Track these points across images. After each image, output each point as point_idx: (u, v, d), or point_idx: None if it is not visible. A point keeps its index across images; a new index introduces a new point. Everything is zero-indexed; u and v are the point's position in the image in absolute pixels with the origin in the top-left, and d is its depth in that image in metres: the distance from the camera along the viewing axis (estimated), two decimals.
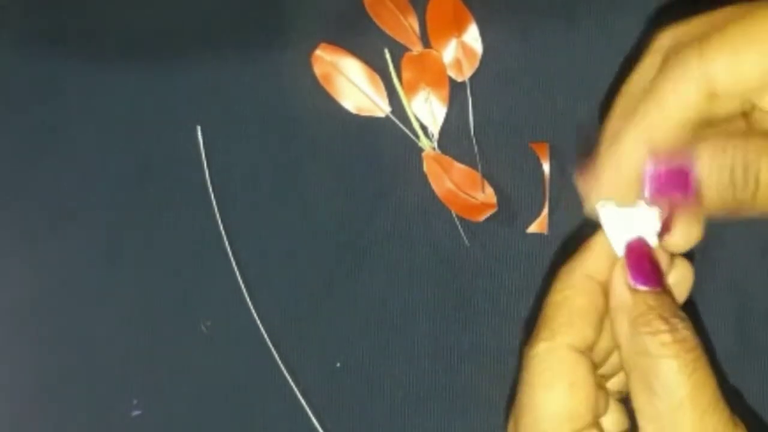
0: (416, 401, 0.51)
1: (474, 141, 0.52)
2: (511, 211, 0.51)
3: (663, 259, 0.38)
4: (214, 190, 0.52)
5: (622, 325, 0.36)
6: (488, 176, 0.51)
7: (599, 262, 0.38)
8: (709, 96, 0.35)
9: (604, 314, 0.38)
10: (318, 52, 0.52)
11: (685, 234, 0.38)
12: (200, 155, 0.53)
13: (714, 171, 0.34)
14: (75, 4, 0.54)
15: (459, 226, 0.51)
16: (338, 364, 0.51)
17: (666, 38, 0.37)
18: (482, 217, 0.51)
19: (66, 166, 0.53)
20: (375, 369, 0.51)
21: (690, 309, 0.44)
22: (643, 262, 0.37)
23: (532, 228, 0.51)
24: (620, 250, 0.38)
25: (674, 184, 0.35)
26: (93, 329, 0.52)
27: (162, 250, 0.53)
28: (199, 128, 0.53)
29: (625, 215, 0.37)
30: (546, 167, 0.51)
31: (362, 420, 0.51)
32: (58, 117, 0.54)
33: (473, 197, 0.51)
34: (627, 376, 0.36)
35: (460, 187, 0.51)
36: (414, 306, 0.51)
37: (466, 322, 0.51)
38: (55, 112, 0.54)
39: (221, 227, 0.52)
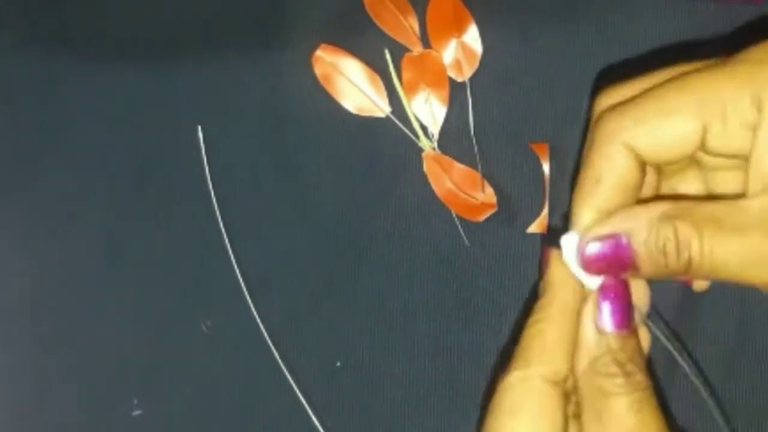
0: (416, 400, 0.51)
1: (474, 141, 0.52)
2: (511, 211, 0.51)
3: (641, 292, 0.39)
4: (214, 189, 0.52)
5: (583, 360, 0.38)
6: (488, 176, 0.51)
7: (575, 294, 0.39)
8: (636, 158, 0.37)
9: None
10: (318, 52, 0.52)
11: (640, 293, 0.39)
12: (201, 155, 0.53)
13: (648, 248, 0.36)
14: (75, 4, 0.54)
15: (459, 226, 0.51)
16: (338, 364, 0.51)
17: (602, 100, 0.39)
18: (482, 217, 0.51)
19: (66, 166, 0.53)
20: (375, 369, 0.51)
21: (691, 311, 0.44)
22: (614, 305, 0.38)
23: (532, 228, 0.51)
24: (588, 282, 0.39)
25: (612, 264, 0.37)
26: (93, 329, 0.53)
27: (162, 250, 0.53)
28: (199, 128, 0.53)
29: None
30: (546, 167, 0.51)
31: (362, 419, 0.51)
32: (58, 117, 0.54)
33: (473, 197, 0.51)
34: (580, 403, 0.37)
35: (460, 187, 0.51)
36: (414, 306, 0.51)
37: (466, 322, 0.51)
38: (55, 112, 0.54)
39: (222, 227, 0.52)
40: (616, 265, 0.37)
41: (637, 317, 0.38)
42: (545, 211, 0.51)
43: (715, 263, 0.35)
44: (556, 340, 0.38)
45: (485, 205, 0.51)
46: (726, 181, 0.40)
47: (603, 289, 0.38)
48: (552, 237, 0.38)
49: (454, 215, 0.51)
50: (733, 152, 0.36)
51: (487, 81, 0.52)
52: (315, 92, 0.52)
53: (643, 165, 0.38)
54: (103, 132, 0.54)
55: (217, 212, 0.52)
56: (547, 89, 0.51)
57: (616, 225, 0.37)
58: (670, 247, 0.35)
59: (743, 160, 0.36)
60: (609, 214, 0.37)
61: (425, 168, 0.52)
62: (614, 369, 0.36)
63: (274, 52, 0.53)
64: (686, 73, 0.37)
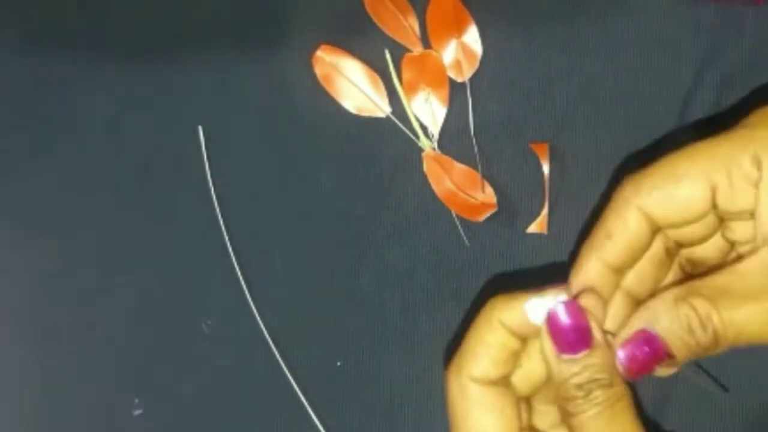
0: (416, 400, 0.51)
1: (474, 141, 0.52)
2: (511, 211, 0.51)
3: (596, 309, 0.40)
4: (215, 189, 0.52)
5: (553, 387, 0.40)
6: (488, 176, 0.51)
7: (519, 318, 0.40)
8: (651, 224, 0.40)
9: (516, 352, 0.41)
10: (318, 53, 0.53)
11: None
12: (201, 155, 0.53)
13: (675, 332, 0.38)
14: (76, 4, 0.54)
15: (459, 226, 0.51)
16: (338, 364, 0.51)
17: (628, 185, 0.41)
18: (482, 217, 0.51)
19: (66, 166, 0.53)
20: (375, 369, 0.51)
21: None
22: (564, 335, 0.39)
23: (532, 228, 0.51)
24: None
25: (649, 358, 0.39)
26: (93, 329, 0.52)
27: (163, 250, 0.53)
28: (200, 128, 0.53)
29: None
30: (546, 167, 0.51)
31: (362, 419, 0.51)
32: (58, 117, 0.54)
33: (473, 197, 0.51)
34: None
35: (460, 187, 0.51)
36: (414, 306, 0.51)
37: (466, 322, 0.51)
38: (56, 112, 0.54)
39: (222, 227, 0.52)
40: (653, 358, 0.39)
41: (597, 335, 0.39)
42: (545, 211, 0.51)
43: (738, 330, 0.37)
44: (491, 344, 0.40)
45: (485, 205, 0.51)
46: (744, 230, 0.41)
47: (550, 319, 0.39)
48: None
49: (454, 215, 0.51)
50: (742, 209, 0.39)
51: (487, 81, 0.52)
52: (315, 92, 0.52)
53: (653, 228, 0.40)
54: (103, 132, 0.54)
55: (218, 212, 0.52)
56: (547, 89, 0.52)
57: (637, 323, 0.39)
58: (695, 324, 0.38)
59: (748, 216, 0.39)
60: (613, 268, 0.40)
61: (425, 168, 0.52)
62: (576, 392, 0.38)
63: (275, 53, 0.53)
64: (694, 144, 0.39)
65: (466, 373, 0.41)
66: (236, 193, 0.52)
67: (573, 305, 0.39)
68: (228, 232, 0.52)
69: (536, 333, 0.40)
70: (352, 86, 0.52)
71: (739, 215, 0.40)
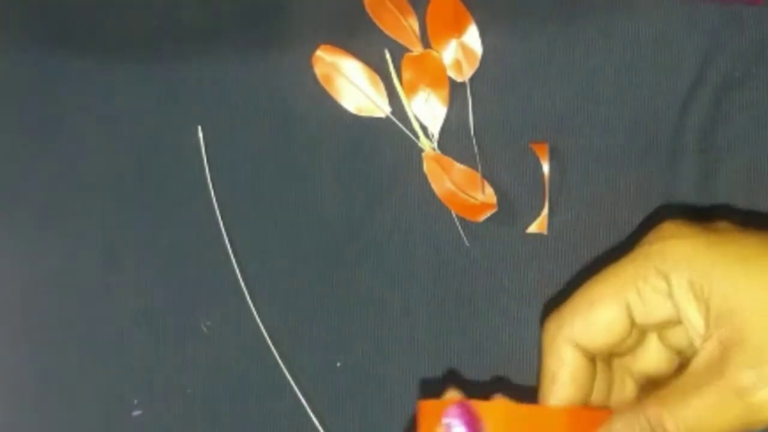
0: (416, 400, 0.51)
1: (474, 141, 0.52)
2: (511, 211, 0.51)
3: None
4: (214, 189, 0.52)
5: None
6: (488, 176, 0.51)
7: None
8: (581, 350, 0.42)
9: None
10: (318, 52, 0.53)
11: None
12: (201, 155, 0.53)
13: None
14: (75, 3, 0.54)
15: (459, 226, 0.51)
16: (338, 364, 0.51)
17: (551, 321, 0.43)
18: (482, 217, 0.51)
19: (66, 166, 0.53)
20: (375, 369, 0.51)
21: None
22: None
23: (532, 228, 0.51)
24: None
25: None
26: (93, 329, 0.52)
27: (162, 250, 0.53)
28: (199, 128, 0.53)
29: None
30: (546, 167, 0.51)
31: (362, 419, 0.51)
32: (58, 116, 0.54)
33: (473, 197, 0.51)
34: None
35: (460, 187, 0.51)
36: (414, 306, 0.51)
37: (466, 322, 0.51)
38: (56, 112, 0.54)
39: (222, 227, 0.52)
40: None
41: None
42: (545, 211, 0.51)
43: (692, 427, 0.39)
44: None
45: (485, 205, 0.51)
46: (678, 336, 0.43)
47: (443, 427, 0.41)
48: None
49: (454, 215, 0.51)
50: (661, 320, 0.41)
51: (487, 81, 0.52)
52: (315, 92, 0.52)
53: (591, 356, 0.42)
54: (103, 132, 0.54)
55: (217, 212, 0.52)
56: (547, 89, 0.52)
57: None
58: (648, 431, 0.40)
59: (676, 323, 0.41)
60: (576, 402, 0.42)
61: (425, 168, 0.52)
62: None
63: (275, 53, 0.53)
64: (603, 270, 0.42)
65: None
66: (236, 193, 0.52)
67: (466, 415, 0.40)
68: (228, 233, 0.52)
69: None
70: (352, 86, 0.52)
71: (661, 326, 0.42)
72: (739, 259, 0.40)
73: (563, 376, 0.42)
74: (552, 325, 0.43)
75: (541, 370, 0.43)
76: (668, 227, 0.42)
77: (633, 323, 0.42)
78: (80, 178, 0.53)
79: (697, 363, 0.40)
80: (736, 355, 0.38)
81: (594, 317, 0.42)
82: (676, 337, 0.43)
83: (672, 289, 0.40)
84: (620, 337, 0.42)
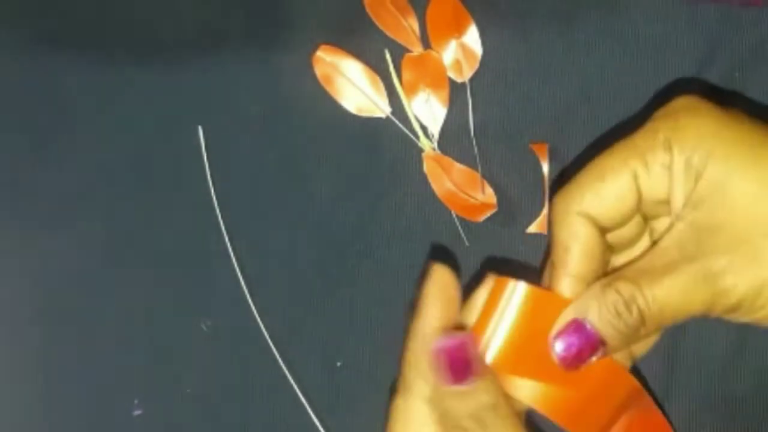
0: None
1: (474, 141, 0.52)
2: (511, 211, 0.51)
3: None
4: (215, 190, 0.52)
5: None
6: (488, 176, 0.51)
7: (447, 313, 0.42)
8: (593, 224, 0.41)
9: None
10: (319, 53, 0.53)
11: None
12: (201, 155, 0.53)
13: (603, 317, 0.39)
14: (75, 3, 0.54)
15: (459, 226, 0.51)
16: (338, 364, 0.51)
17: (559, 197, 0.43)
18: (482, 217, 0.51)
19: (66, 166, 0.53)
20: (375, 369, 0.51)
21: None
22: (447, 363, 0.40)
23: (532, 228, 0.51)
24: None
25: (582, 347, 0.40)
26: (93, 329, 0.52)
27: (162, 250, 0.53)
28: (199, 128, 0.53)
29: None
30: (546, 167, 0.51)
31: (363, 419, 0.51)
32: (58, 117, 0.54)
33: (473, 197, 0.51)
34: None
35: (460, 187, 0.51)
36: (414, 306, 0.51)
37: None
38: (56, 112, 0.54)
39: (222, 227, 0.52)
40: (586, 347, 0.40)
41: (480, 368, 0.40)
42: (545, 211, 0.51)
43: (661, 305, 0.39)
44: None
45: (485, 205, 0.51)
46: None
47: (434, 352, 0.40)
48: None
49: (454, 215, 0.51)
50: (660, 198, 0.41)
51: (487, 82, 0.52)
52: (315, 93, 0.53)
53: (602, 230, 0.42)
54: (103, 132, 0.54)
55: (218, 212, 0.52)
56: (547, 90, 0.52)
57: (568, 314, 0.40)
58: (621, 307, 0.39)
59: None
60: (584, 280, 0.41)
61: (425, 168, 0.52)
62: (466, 424, 0.39)
63: (275, 53, 0.53)
64: (614, 143, 0.42)
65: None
66: (236, 193, 0.52)
67: (451, 341, 0.40)
68: (228, 233, 0.52)
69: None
70: (352, 86, 0.52)
71: (659, 207, 0.41)
72: (747, 144, 0.39)
73: (576, 248, 0.41)
74: (562, 199, 0.42)
75: (553, 245, 0.42)
76: (682, 101, 0.41)
77: (641, 197, 0.41)
78: (80, 178, 0.53)
79: (668, 241, 0.40)
80: (709, 239, 0.39)
81: (604, 187, 0.41)
82: (661, 228, 0.42)
83: (672, 163, 0.40)
84: (629, 209, 0.41)
